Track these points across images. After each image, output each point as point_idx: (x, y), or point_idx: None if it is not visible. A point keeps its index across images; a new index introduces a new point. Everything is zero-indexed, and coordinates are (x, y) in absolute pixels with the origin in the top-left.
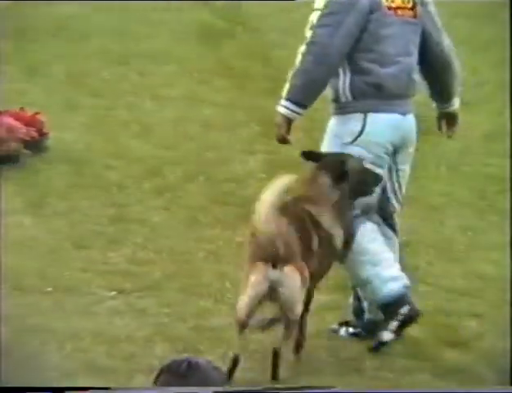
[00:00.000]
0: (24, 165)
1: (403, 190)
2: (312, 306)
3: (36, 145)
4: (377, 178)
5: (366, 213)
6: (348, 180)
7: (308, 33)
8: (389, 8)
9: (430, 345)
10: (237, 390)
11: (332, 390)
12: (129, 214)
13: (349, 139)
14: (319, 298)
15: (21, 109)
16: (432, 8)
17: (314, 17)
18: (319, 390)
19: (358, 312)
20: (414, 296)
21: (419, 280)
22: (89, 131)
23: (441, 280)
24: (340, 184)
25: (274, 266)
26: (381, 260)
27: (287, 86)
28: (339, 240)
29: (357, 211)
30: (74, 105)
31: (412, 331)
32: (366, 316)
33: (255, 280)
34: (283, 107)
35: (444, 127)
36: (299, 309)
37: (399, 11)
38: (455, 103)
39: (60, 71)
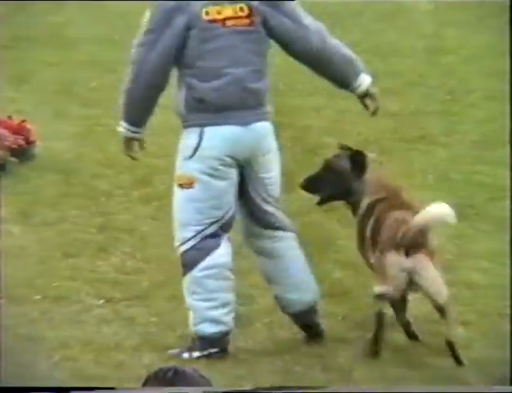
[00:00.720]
0: (10, 173)
1: (276, 194)
2: None
3: (23, 153)
4: None
5: (225, 230)
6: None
7: (132, 52)
8: (214, 21)
9: (420, 353)
10: (228, 390)
11: (324, 390)
12: (118, 222)
13: (188, 154)
14: None
15: (9, 117)
16: (289, 7)
17: (137, 36)
18: (311, 390)
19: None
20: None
21: None
22: (78, 140)
23: None
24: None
25: (407, 254)
26: (212, 299)
27: (120, 107)
28: None
29: (210, 230)
30: (64, 114)
31: (402, 339)
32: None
33: (392, 272)
34: (120, 127)
35: (370, 105)
36: (445, 291)
37: (228, 22)
38: (362, 82)
39: (50, 80)
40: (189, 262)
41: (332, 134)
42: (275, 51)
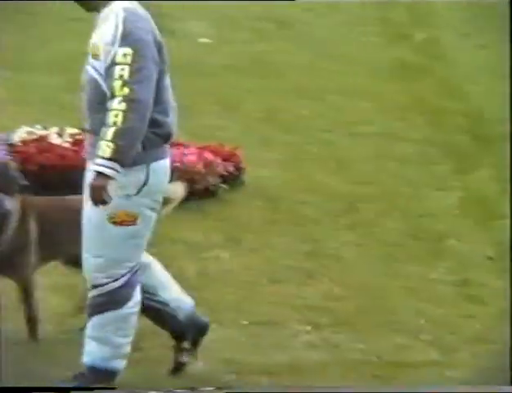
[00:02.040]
0: (220, 200)
1: None
2: None
3: (233, 180)
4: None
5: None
6: None
7: (124, 90)
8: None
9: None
10: None
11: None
12: (324, 249)
13: (133, 191)
14: None
15: (220, 144)
16: None
17: (123, 72)
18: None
19: None
20: None
21: None
22: (284, 167)
23: None
24: None
25: None
26: (130, 335)
27: (110, 145)
28: None
29: (139, 265)
30: (269, 141)
31: None
32: None
33: None
34: (107, 168)
35: None
36: None
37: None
38: None
39: (256, 107)
40: (119, 299)
41: None
42: None
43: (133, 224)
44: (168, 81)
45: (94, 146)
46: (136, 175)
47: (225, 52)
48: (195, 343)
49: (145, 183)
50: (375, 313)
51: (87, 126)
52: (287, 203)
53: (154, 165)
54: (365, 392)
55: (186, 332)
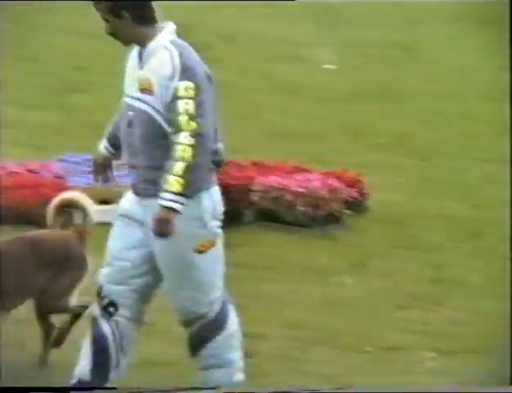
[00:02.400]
0: (345, 225)
1: None
2: None
3: (357, 206)
4: None
5: None
6: None
7: (191, 125)
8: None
9: None
10: None
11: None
12: (449, 275)
13: (208, 217)
14: None
15: (344, 170)
16: None
17: (188, 106)
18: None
19: None
20: None
21: None
22: (410, 192)
23: None
24: None
25: None
26: None
27: (179, 180)
28: None
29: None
30: (396, 166)
31: None
32: None
33: None
34: (177, 203)
35: None
36: None
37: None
38: None
39: (383, 132)
40: (223, 319)
41: None
42: None
43: (214, 246)
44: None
45: (150, 181)
46: (201, 202)
47: (349, 78)
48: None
49: (214, 208)
50: (500, 339)
51: (135, 161)
52: (412, 228)
53: (213, 190)
54: (365, 392)
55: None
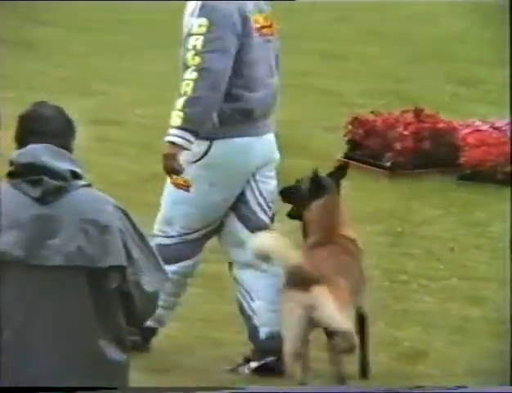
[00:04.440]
0: None
1: (272, 205)
2: None
3: None
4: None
5: (207, 237)
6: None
7: (195, 59)
8: (255, 29)
9: None
10: None
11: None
12: None
13: (193, 159)
14: None
15: None
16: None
17: (197, 42)
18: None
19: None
20: None
21: None
22: None
23: None
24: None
25: (305, 290)
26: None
27: (179, 114)
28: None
29: (194, 235)
30: None
31: None
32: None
33: (287, 307)
34: (177, 137)
35: None
36: (339, 319)
37: (264, 31)
38: None
39: None
40: (167, 258)
41: None
42: None
43: (186, 191)
44: (257, 55)
45: None
46: (198, 146)
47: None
48: (262, 366)
49: (204, 154)
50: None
51: None
52: None
53: (219, 142)
54: (366, 392)
55: (259, 352)
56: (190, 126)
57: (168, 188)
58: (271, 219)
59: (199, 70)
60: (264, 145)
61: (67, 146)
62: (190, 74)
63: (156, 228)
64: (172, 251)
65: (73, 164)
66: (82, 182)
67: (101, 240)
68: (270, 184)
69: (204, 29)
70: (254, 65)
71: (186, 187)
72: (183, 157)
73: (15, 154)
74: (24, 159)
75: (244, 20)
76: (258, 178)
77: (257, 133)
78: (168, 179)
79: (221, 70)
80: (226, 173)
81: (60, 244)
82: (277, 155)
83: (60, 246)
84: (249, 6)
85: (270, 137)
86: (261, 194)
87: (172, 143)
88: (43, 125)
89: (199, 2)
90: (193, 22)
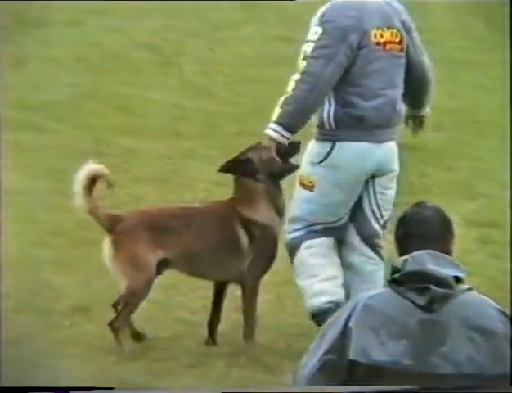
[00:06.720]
0: None
1: (386, 214)
2: None
3: None
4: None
5: (330, 234)
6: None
7: (302, 63)
8: (378, 44)
9: None
10: None
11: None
12: None
13: (317, 160)
14: None
15: None
16: (415, 33)
17: (308, 48)
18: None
19: None
20: None
21: None
22: None
23: None
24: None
25: None
26: (316, 274)
27: (278, 111)
28: (278, 227)
29: (318, 227)
30: None
31: None
32: None
33: None
34: (273, 131)
35: (411, 126)
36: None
37: (388, 46)
38: (426, 109)
39: None
40: (294, 247)
41: None
42: None
43: (310, 190)
44: (377, 67)
45: None
46: (322, 147)
47: None
48: None
49: (327, 155)
50: None
51: None
52: None
53: (341, 144)
54: (366, 392)
55: None
56: (285, 122)
57: (296, 191)
58: (383, 227)
59: (303, 72)
60: (383, 152)
61: (447, 250)
62: (295, 76)
63: (286, 229)
64: (301, 238)
65: (455, 268)
66: (464, 287)
67: (487, 346)
68: (387, 194)
69: (316, 37)
70: (372, 76)
71: (310, 187)
72: (311, 159)
73: (399, 262)
74: (410, 267)
75: (363, 34)
76: (377, 187)
77: (374, 140)
78: (297, 181)
79: (322, 75)
80: (346, 176)
81: (448, 352)
82: (396, 165)
83: (449, 354)
84: (374, 21)
85: (390, 146)
86: (376, 202)
87: (269, 136)
88: (424, 228)
89: (321, 10)
90: (311, 29)
